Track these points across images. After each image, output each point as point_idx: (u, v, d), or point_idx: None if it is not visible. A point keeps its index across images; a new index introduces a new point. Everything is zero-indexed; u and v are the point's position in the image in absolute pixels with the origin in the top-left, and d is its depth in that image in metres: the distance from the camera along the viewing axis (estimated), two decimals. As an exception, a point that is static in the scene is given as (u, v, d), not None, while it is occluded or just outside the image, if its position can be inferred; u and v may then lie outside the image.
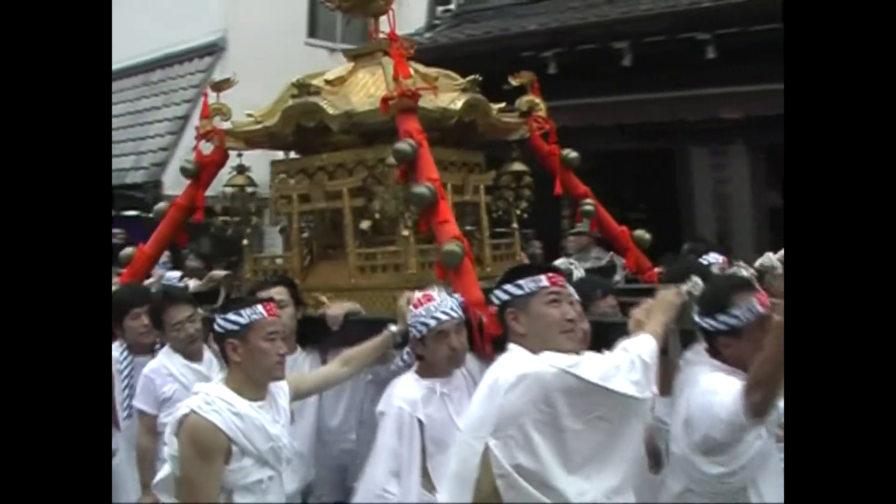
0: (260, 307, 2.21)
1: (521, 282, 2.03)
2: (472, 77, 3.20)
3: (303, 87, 3.12)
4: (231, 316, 2.19)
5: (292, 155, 3.59)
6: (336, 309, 2.83)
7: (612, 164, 8.21)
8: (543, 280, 2.01)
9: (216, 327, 2.23)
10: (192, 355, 2.96)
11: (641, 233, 3.79)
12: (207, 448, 2.07)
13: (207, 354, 3.00)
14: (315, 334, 2.86)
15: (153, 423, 2.91)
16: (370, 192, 3.11)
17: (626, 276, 3.80)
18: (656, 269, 3.63)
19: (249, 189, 3.42)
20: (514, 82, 3.61)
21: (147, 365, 2.97)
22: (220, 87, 3.41)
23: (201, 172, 3.39)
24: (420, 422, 2.31)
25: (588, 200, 3.67)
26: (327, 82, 3.30)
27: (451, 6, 8.37)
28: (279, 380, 2.28)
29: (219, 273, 3.73)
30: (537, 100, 3.65)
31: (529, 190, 3.58)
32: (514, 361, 1.90)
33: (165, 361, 2.94)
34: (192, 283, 4.15)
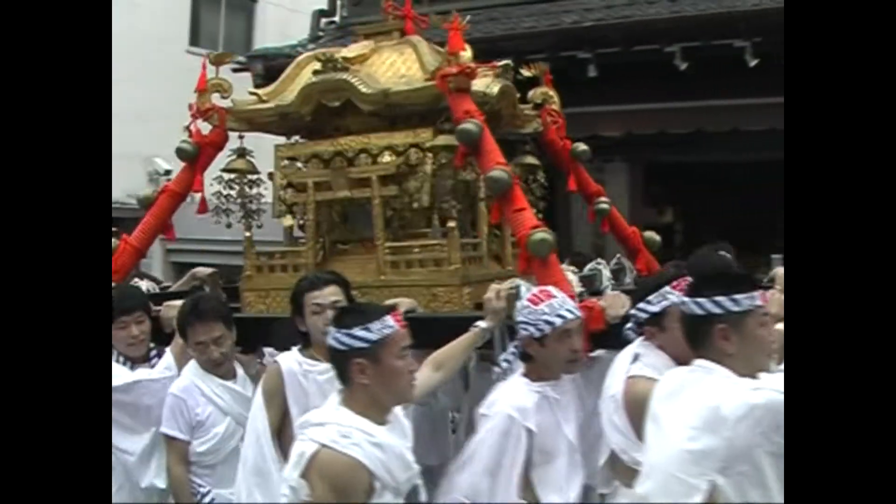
0: (390, 319, 1.86)
1: (737, 297, 1.78)
2: (505, 62, 3.00)
3: (329, 63, 2.82)
4: (358, 332, 1.82)
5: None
6: (402, 305, 2.52)
7: None
8: (758, 298, 1.80)
9: (335, 344, 1.86)
10: (226, 373, 2.57)
11: (651, 234, 3.72)
12: (349, 489, 1.73)
13: (240, 370, 2.63)
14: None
15: (186, 449, 2.52)
16: (400, 179, 2.84)
17: (636, 279, 3.72)
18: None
19: (251, 175, 3.05)
20: (526, 73, 3.45)
21: (174, 383, 2.55)
22: (219, 60, 3.03)
23: (200, 155, 2.99)
24: (529, 431, 2.09)
25: (602, 199, 3.55)
26: (346, 60, 3.00)
27: (336, 19, 8.26)
28: (410, 402, 1.97)
29: (203, 270, 3.32)
30: (551, 92, 3.51)
31: (542, 185, 3.41)
32: (732, 388, 1.69)
33: (197, 380, 2.54)
34: (147, 285, 3.72)
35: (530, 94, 3.47)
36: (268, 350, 2.77)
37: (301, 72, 3.12)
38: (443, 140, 2.69)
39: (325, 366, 2.47)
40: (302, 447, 1.78)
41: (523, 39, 6.68)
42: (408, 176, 2.83)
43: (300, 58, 3.16)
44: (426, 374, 2.19)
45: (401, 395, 1.88)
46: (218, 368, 2.55)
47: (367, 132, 2.94)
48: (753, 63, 5.80)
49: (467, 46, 2.71)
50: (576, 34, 6.53)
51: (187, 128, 3.05)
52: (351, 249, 3.03)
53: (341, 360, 1.86)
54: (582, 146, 3.56)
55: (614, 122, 6.64)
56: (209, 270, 3.29)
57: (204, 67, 3.01)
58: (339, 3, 8.26)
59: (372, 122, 2.95)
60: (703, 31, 6.12)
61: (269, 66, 6.95)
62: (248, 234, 3.01)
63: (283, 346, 2.60)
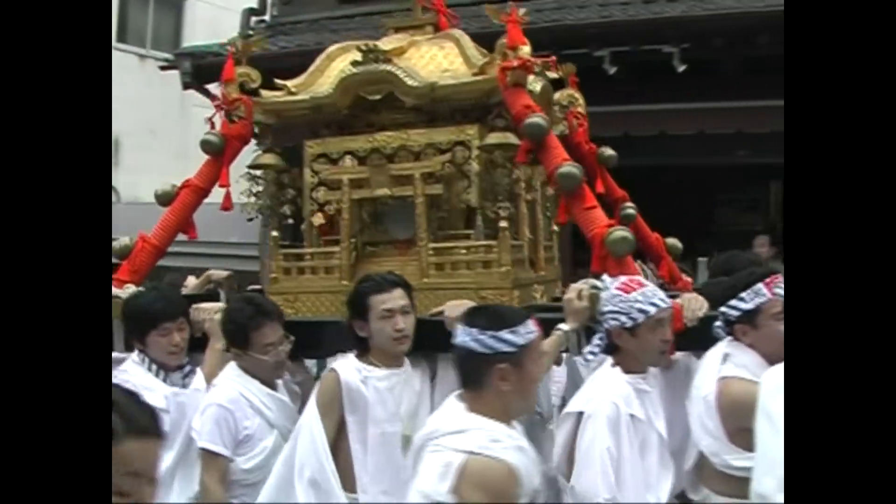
0: (532, 322, 1.76)
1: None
2: (544, 60, 2.91)
3: (370, 53, 2.67)
4: (506, 335, 1.69)
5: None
6: (457, 308, 2.37)
7: None
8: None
9: (476, 346, 1.71)
10: (271, 382, 2.38)
11: (674, 242, 3.67)
12: (506, 495, 1.59)
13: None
14: (425, 341, 2.37)
15: (227, 468, 2.29)
16: (443, 177, 2.71)
17: (659, 285, 3.66)
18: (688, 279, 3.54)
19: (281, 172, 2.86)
20: (552, 75, 3.37)
21: (215, 393, 2.33)
22: (248, 47, 2.84)
23: (226, 148, 2.79)
24: (633, 418, 2.00)
25: (628, 204, 3.49)
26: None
27: (266, 17, 8.22)
28: (532, 411, 1.84)
29: (218, 273, 3.10)
30: (576, 94, 3.44)
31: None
32: None
33: (243, 389, 2.33)
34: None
35: (556, 95, 3.39)
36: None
37: (331, 63, 2.97)
38: (496, 137, 2.57)
39: (385, 372, 2.33)
40: (444, 458, 1.61)
41: None
42: (452, 174, 2.70)
43: (331, 49, 3.00)
44: None
45: (530, 404, 1.75)
46: (278, 371, 2.37)
47: (401, 128, 2.80)
48: (682, 68, 5.90)
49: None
50: (528, 33, 6.53)
51: (210, 119, 2.85)
52: (382, 251, 2.88)
53: (479, 364, 1.72)
54: (609, 151, 3.50)
55: None
56: (225, 273, 3.08)
57: (230, 56, 2.83)
58: (269, 1, 8.19)
59: (408, 118, 2.81)
60: (633, 36, 6.26)
61: (198, 65, 6.83)
62: (275, 233, 2.82)
63: (326, 353, 2.44)
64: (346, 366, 2.31)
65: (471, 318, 1.79)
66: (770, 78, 6.93)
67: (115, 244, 2.78)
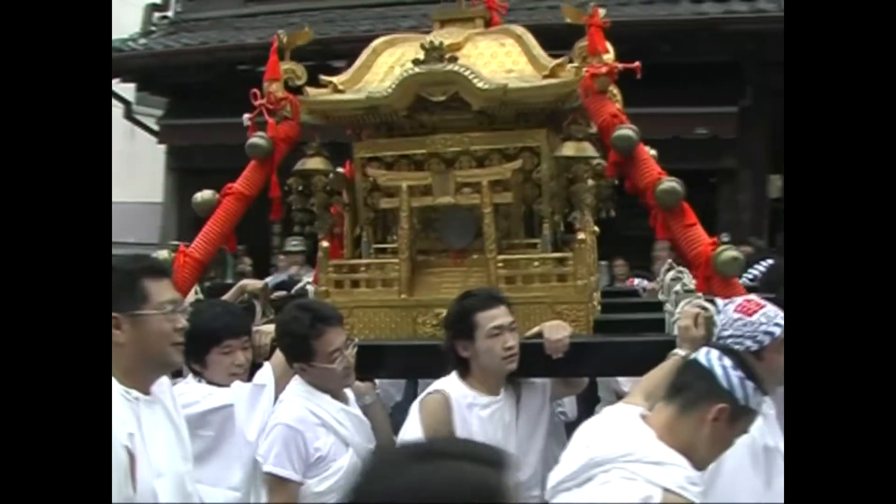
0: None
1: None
2: (627, 66, 2.74)
3: (434, 51, 2.48)
4: (751, 388, 1.58)
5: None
6: (557, 330, 2.24)
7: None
8: None
9: (722, 378, 1.59)
10: (340, 393, 2.20)
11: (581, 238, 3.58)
12: None
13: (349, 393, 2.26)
14: (521, 365, 2.24)
15: (296, 493, 2.10)
16: (510, 185, 2.55)
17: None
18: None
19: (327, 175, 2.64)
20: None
21: (281, 412, 2.14)
22: (293, 40, 2.60)
23: (274, 152, 2.55)
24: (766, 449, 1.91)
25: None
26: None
27: (169, 13, 8.02)
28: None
29: (254, 283, 2.87)
30: (615, 90, 3.32)
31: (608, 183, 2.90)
32: None
33: (312, 406, 2.14)
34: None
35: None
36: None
37: (378, 58, 2.76)
38: (573, 148, 2.43)
39: (487, 399, 2.20)
40: (642, 490, 1.48)
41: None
42: (520, 182, 2.56)
43: (375, 43, 2.79)
44: (643, 404, 1.94)
45: (712, 459, 1.63)
46: (348, 380, 2.20)
47: (458, 131, 2.63)
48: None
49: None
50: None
51: (251, 119, 2.61)
52: (435, 261, 2.72)
53: (709, 394, 1.59)
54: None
55: None
56: (260, 283, 2.85)
57: (274, 52, 2.58)
58: (173, -3, 8.07)
59: (464, 120, 2.64)
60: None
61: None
62: (325, 244, 2.62)
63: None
64: (454, 387, 2.17)
65: (735, 356, 1.69)
66: (671, 85, 7.14)
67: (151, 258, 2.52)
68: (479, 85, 2.45)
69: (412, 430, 2.13)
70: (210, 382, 2.28)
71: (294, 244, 6.36)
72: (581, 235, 2.46)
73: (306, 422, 2.13)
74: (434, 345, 2.34)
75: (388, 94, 2.51)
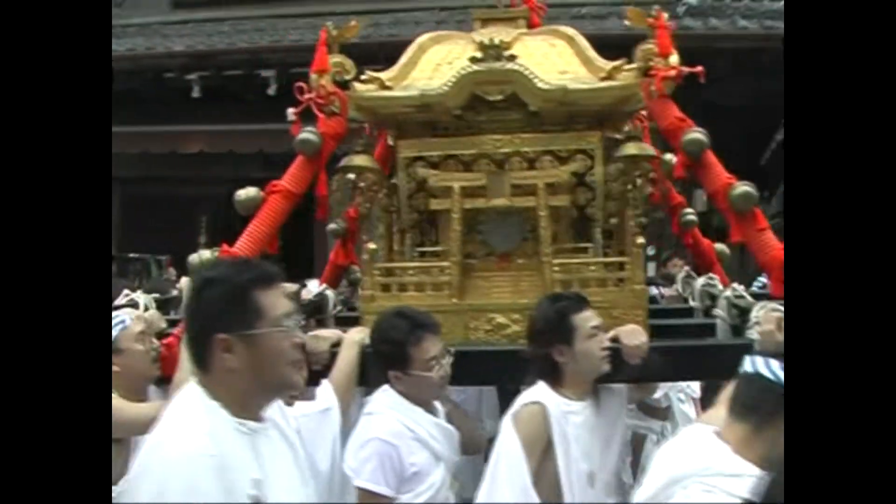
0: None
1: None
2: (692, 70, 2.71)
3: (491, 49, 2.41)
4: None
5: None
6: (635, 335, 2.19)
7: None
8: None
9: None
10: (432, 405, 2.09)
11: (723, 248, 3.66)
12: None
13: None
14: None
15: None
16: (565, 188, 2.51)
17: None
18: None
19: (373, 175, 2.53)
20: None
21: (375, 425, 2.01)
22: (342, 33, 2.49)
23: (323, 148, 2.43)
24: None
25: (688, 210, 3.43)
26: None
27: None
28: None
29: (288, 286, 2.71)
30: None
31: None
32: None
33: (406, 420, 2.03)
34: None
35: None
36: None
37: (423, 55, 2.68)
38: (635, 148, 2.41)
39: (580, 405, 2.15)
40: (723, 502, 1.43)
41: (288, 52, 6.82)
42: (574, 184, 2.52)
43: (421, 39, 2.71)
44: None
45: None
46: (443, 389, 2.12)
47: (503, 132, 2.57)
48: None
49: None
50: (341, 50, 6.53)
51: (296, 114, 2.48)
52: (479, 264, 2.64)
53: (778, 407, 1.51)
54: (668, 155, 3.42)
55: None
56: (294, 287, 2.71)
57: (323, 43, 2.46)
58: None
59: (513, 121, 2.58)
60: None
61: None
62: (372, 245, 2.50)
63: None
64: (548, 396, 2.10)
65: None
66: None
67: (192, 259, 2.36)
68: (540, 85, 2.40)
69: (509, 444, 2.05)
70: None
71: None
72: (640, 239, 2.44)
73: (402, 436, 2.04)
74: (513, 350, 2.27)
75: (444, 91, 2.44)
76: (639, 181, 2.40)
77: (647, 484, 1.67)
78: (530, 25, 2.83)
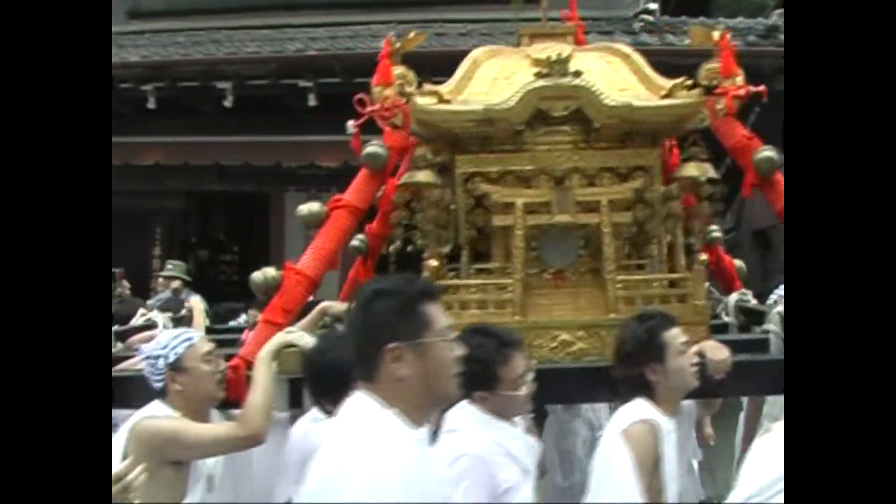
0: None
1: None
2: (756, 90, 2.73)
3: (556, 65, 2.40)
4: None
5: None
6: (719, 351, 2.19)
7: (207, 204, 8.71)
8: None
9: None
10: (512, 420, 2.05)
11: (741, 264, 3.73)
12: None
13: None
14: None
15: None
16: (627, 204, 2.51)
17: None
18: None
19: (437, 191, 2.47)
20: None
21: (465, 442, 1.94)
22: (406, 44, 2.44)
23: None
24: None
25: (713, 227, 3.48)
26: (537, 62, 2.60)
27: None
28: None
29: (336, 305, 2.64)
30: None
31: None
32: None
33: (496, 436, 1.97)
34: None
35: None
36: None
37: (478, 69, 2.65)
38: (697, 169, 2.44)
39: (673, 422, 2.13)
40: None
41: (245, 64, 6.89)
42: (634, 201, 2.52)
43: (475, 53, 2.68)
44: None
45: None
46: (528, 406, 2.09)
47: (558, 148, 2.56)
48: None
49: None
50: (298, 62, 6.73)
51: (356, 127, 2.40)
52: (533, 281, 2.62)
53: None
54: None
55: (332, 152, 6.72)
56: (343, 306, 2.62)
57: (385, 55, 2.40)
58: None
59: (567, 138, 2.57)
60: (423, 67, 6.48)
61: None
62: (434, 263, 2.45)
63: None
64: (652, 414, 2.08)
65: None
66: None
67: (254, 277, 2.25)
68: (606, 102, 2.41)
69: (620, 461, 2.02)
70: None
71: (170, 268, 6.39)
72: (703, 256, 2.46)
73: (494, 452, 1.98)
74: (597, 368, 2.25)
75: (509, 106, 2.41)
76: (702, 202, 2.43)
77: (747, 479, 1.63)
78: (576, 42, 2.84)
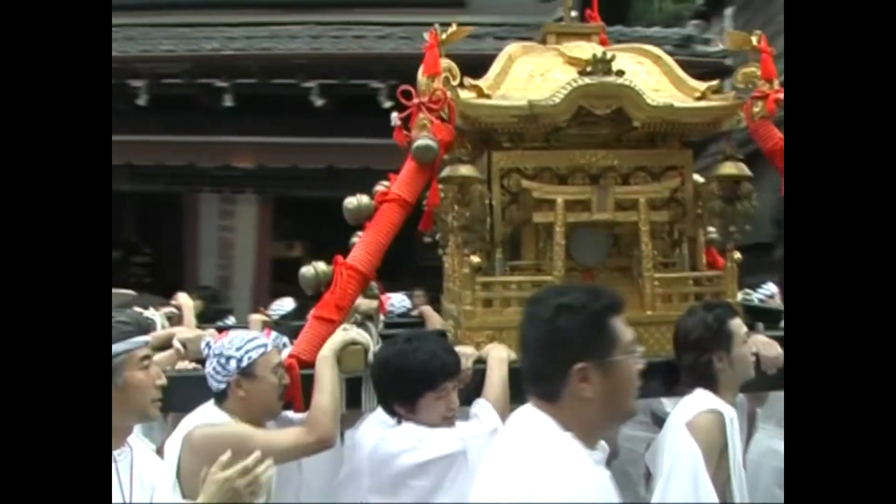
0: None
1: None
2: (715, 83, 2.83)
3: (600, 63, 2.40)
4: None
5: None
6: (772, 347, 2.23)
7: (118, 205, 8.64)
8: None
9: None
10: None
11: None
12: None
13: None
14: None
15: None
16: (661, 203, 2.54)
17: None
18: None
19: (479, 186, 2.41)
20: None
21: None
22: (453, 36, 2.38)
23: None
24: None
25: (710, 228, 3.56)
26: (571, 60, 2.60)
27: None
28: None
29: (368, 303, 2.54)
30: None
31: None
32: None
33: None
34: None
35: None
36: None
37: (513, 65, 2.62)
38: (734, 168, 2.49)
39: (736, 412, 2.15)
40: None
41: (160, 62, 6.85)
42: (669, 200, 2.56)
43: (510, 49, 2.64)
44: None
45: None
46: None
47: (596, 147, 2.58)
48: (387, 105, 6.28)
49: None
50: (214, 62, 6.66)
51: (404, 119, 2.33)
52: (568, 279, 2.61)
53: None
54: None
55: (248, 153, 6.87)
56: (375, 303, 2.53)
57: (434, 45, 2.34)
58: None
59: (599, 137, 2.59)
60: (341, 69, 6.65)
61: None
62: (476, 259, 2.40)
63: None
64: (720, 405, 2.09)
65: None
66: None
67: (304, 272, 2.14)
68: (650, 101, 2.43)
69: (688, 452, 2.02)
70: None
71: None
72: (737, 255, 2.52)
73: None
74: (666, 361, 2.26)
75: (555, 103, 2.39)
76: (742, 200, 2.49)
77: None
78: (600, 42, 2.85)
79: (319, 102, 6.30)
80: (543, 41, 2.84)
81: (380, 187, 2.92)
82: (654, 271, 2.50)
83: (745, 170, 2.50)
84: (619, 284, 2.60)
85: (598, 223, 2.54)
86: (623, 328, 1.38)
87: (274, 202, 7.50)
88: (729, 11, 12.46)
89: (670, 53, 2.82)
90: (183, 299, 3.39)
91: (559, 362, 1.34)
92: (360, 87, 6.24)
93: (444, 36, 2.40)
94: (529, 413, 1.38)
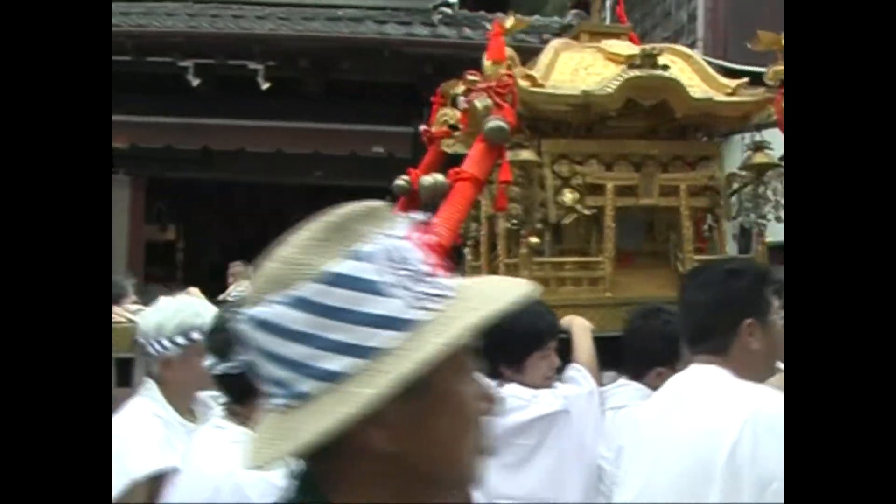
0: None
1: None
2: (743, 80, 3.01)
3: (648, 57, 2.56)
4: None
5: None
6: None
7: None
8: None
9: None
10: None
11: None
12: None
13: None
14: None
15: None
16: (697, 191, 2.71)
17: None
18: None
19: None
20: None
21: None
22: (517, 24, 2.48)
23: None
24: None
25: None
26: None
27: None
28: None
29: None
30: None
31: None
32: None
33: None
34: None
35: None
36: None
37: (557, 58, 2.75)
38: (766, 157, 2.69)
39: None
40: None
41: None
42: (704, 188, 2.73)
43: (554, 43, 2.78)
44: None
45: None
46: None
47: (638, 136, 2.74)
48: (265, 86, 6.33)
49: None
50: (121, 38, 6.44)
51: (469, 102, 2.41)
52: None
53: None
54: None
55: (120, 133, 6.59)
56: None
57: (497, 34, 2.43)
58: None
59: (634, 128, 2.75)
60: (219, 49, 6.66)
61: None
62: (534, 239, 2.49)
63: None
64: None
65: None
66: (350, 102, 7.51)
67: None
68: (694, 94, 2.60)
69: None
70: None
71: None
72: (768, 239, 2.72)
73: None
74: None
75: (608, 93, 2.53)
76: (766, 185, 2.69)
77: None
78: (630, 41, 3.02)
79: (196, 82, 6.21)
80: (577, 38, 2.98)
81: (400, 181, 3.01)
82: (693, 254, 2.67)
83: (774, 159, 2.71)
84: (653, 268, 2.78)
85: (636, 209, 2.69)
86: (772, 296, 1.59)
87: (147, 183, 7.28)
88: (609, 2, 12.82)
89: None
90: (193, 294, 3.32)
91: (731, 318, 1.54)
92: (238, 68, 6.17)
93: (507, 25, 2.51)
94: (702, 368, 1.55)
